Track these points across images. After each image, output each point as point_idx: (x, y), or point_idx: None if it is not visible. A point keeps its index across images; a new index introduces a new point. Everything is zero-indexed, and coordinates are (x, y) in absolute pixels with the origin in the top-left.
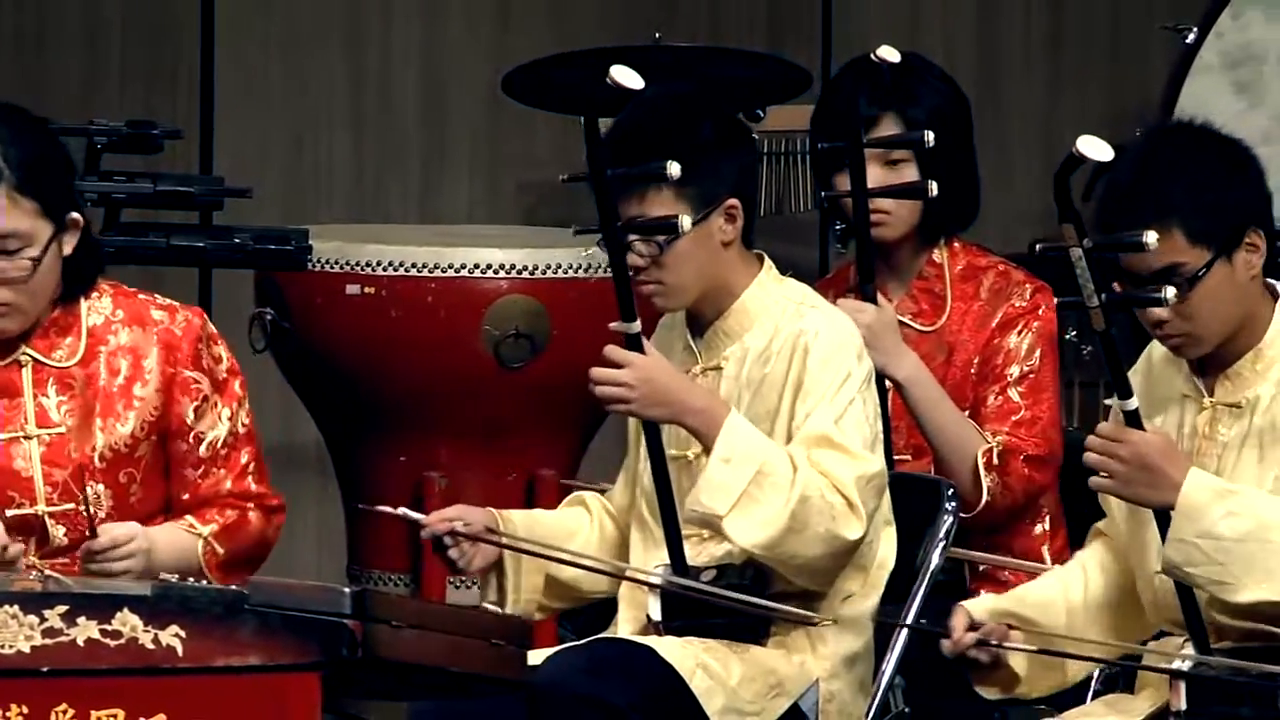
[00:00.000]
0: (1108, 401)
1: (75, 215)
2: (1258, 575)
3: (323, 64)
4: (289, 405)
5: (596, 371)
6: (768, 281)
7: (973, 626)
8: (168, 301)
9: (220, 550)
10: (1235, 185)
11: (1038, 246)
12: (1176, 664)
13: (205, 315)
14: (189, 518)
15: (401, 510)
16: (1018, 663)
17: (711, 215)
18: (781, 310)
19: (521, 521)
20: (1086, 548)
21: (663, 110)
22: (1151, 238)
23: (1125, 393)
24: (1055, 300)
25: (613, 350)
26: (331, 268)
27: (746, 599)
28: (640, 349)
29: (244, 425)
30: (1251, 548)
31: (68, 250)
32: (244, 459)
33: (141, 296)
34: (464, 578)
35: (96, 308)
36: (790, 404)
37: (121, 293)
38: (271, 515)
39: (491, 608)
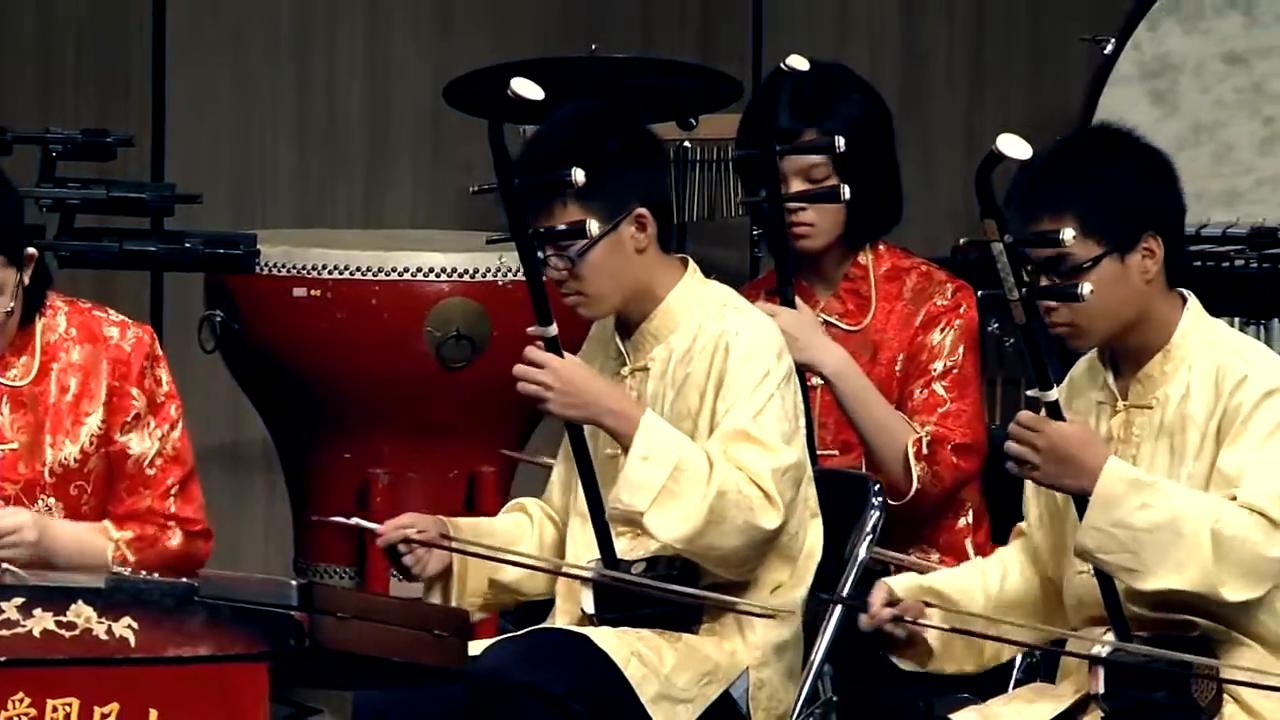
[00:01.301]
0: (1030, 393)
1: (30, 251)
2: (1168, 565)
3: (270, 74)
4: (237, 405)
5: (519, 368)
6: (692, 284)
7: (891, 602)
8: (120, 318)
9: (131, 558)
10: (1140, 189)
11: (961, 241)
12: (1096, 649)
13: (155, 335)
14: (108, 522)
15: (355, 520)
16: (932, 639)
17: (621, 225)
18: (705, 311)
19: (469, 528)
20: (1009, 545)
21: (568, 125)
22: (1069, 233)
23: (1046, 385)
24: (979, 294)
25: (531, 351)
26: (279, 271)
27: (679, 589)
28: (558, 352)
29: (174, 448)
30: (1163, 538)
31: (27, 279)
32: (169, 480)
33: (95, 313)
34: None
35: (51, 325)
36: (712, 402)
37: (76, 309)
38: (194, 540)
39: None
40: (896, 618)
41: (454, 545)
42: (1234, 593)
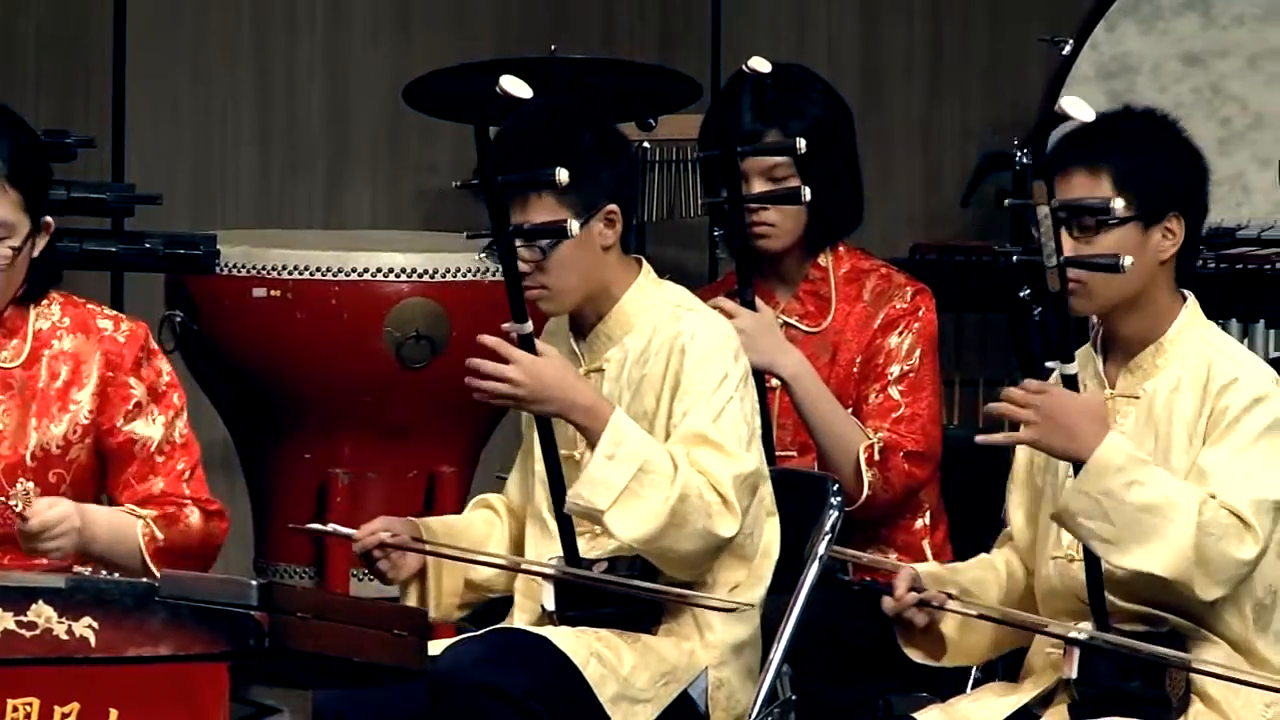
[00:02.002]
0: (1050, 364)
1: (48, 219)
2: (1146, 546)
3: (230, 74)
4: (197, 405)
5: (487, 365)
6: (646, 285)
7: (916, 588)
8: (113, 313)
9: (160, 535)
10: (1178, 170)
11: (1006, 202)
12: (1074, 633)
13: (149, 329)
14: (129, 504)
15: (332, 526)
16: (949, 632)
17: (592, 221)
18: (660, 312)
19: (441, 528)
20: (999, 550)
21: (544, 120)
22: (1119, 203)
23: (1068, 356)
24: (1014, 258)
25: (501, 345)
26: (238, 271)
27: (643, 585)
28: (532, 348)
29: (181, 435)
30: (1147, 520)
31: (36, 252)
32: (180, 466)
33: (90, 306)
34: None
35: (45, 314)
36: (668, 403)
37: (70, 302)
38: (211, 518)
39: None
40: (921, 603)
41: (428, 548)
42: (1202, 589)
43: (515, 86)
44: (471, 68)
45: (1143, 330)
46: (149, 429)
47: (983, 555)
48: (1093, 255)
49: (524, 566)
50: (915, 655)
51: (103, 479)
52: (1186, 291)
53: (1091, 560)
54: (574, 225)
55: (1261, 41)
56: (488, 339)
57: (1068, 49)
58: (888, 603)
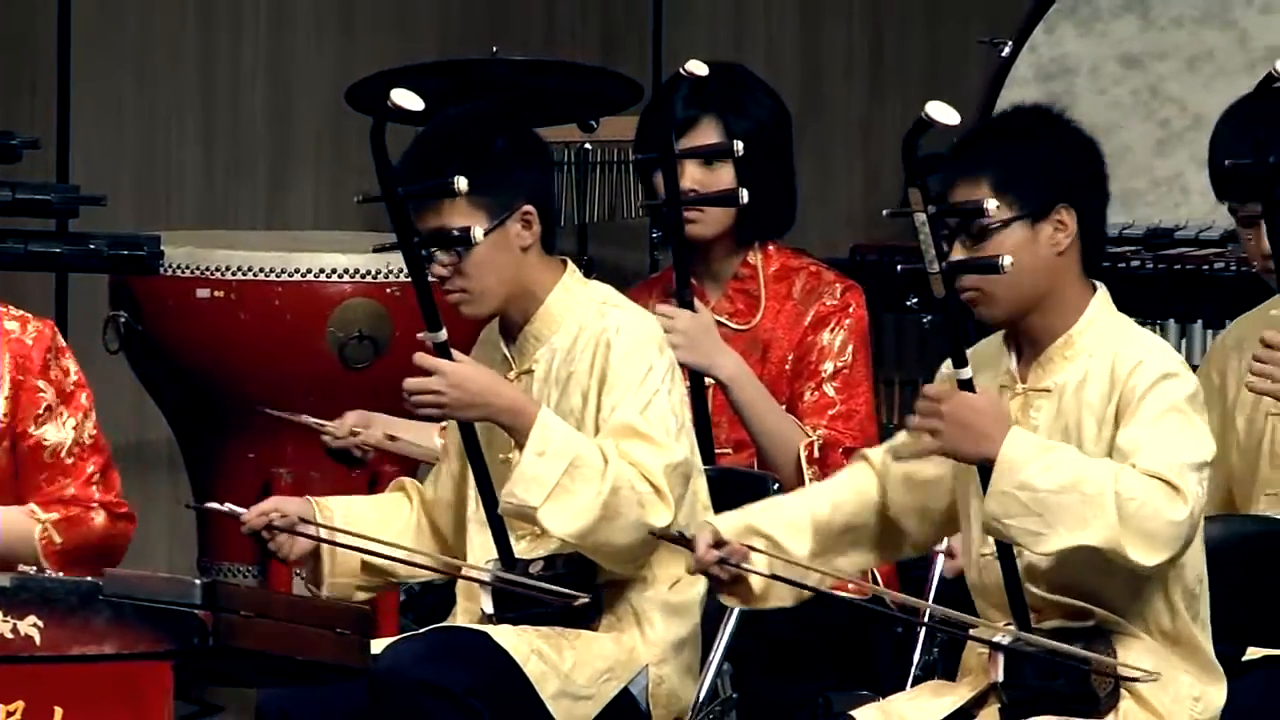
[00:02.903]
0: (944, 369)
1: None
2: (1070, 524)
3: (174, 75)
4: (142, 405)
5: (410, 382)
6: (571, 284)
7: (717, 544)
8: (20, 313)
9: (58, 539)
10: (1059, 161)
11: (885, 212)
12: (997, 638)
13: (56, 328)
14: (33, 505)
15: (227, 506)
16: (756, 580)
17: (507, 222)
18: (585, 310)
19: (339, 508)
20: (847, 469)
21: (458, 125)
22: (991, 204)
23: (961, 361)
24: (899, 268)
25: (423, 358)
26: (182, 272)
27: (566, 592)
28: (448, 356)
29: (90, 436)
30: (1066, 499)
31: None
32: (90, 468)
33: None
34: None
35: None
36: (596, 398)
37: None
38: (118, 521)
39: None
40: (721, 560)
41: (313, 531)
42: (1137, 553)
43: (407, 100)
44: (413, 69)
45: (1052, 325)
46: (60, 433)
47: (814, 485)
48: (973, 258)
49: (466, 571)
50: (729, 602)
51: (16, 480)
52: (1097, 283)
53: (1007, 560)
54: (477, 232)
55: (1200, 43)
56: (417, 355)
57: (1007, 51)
58: (687, 561)
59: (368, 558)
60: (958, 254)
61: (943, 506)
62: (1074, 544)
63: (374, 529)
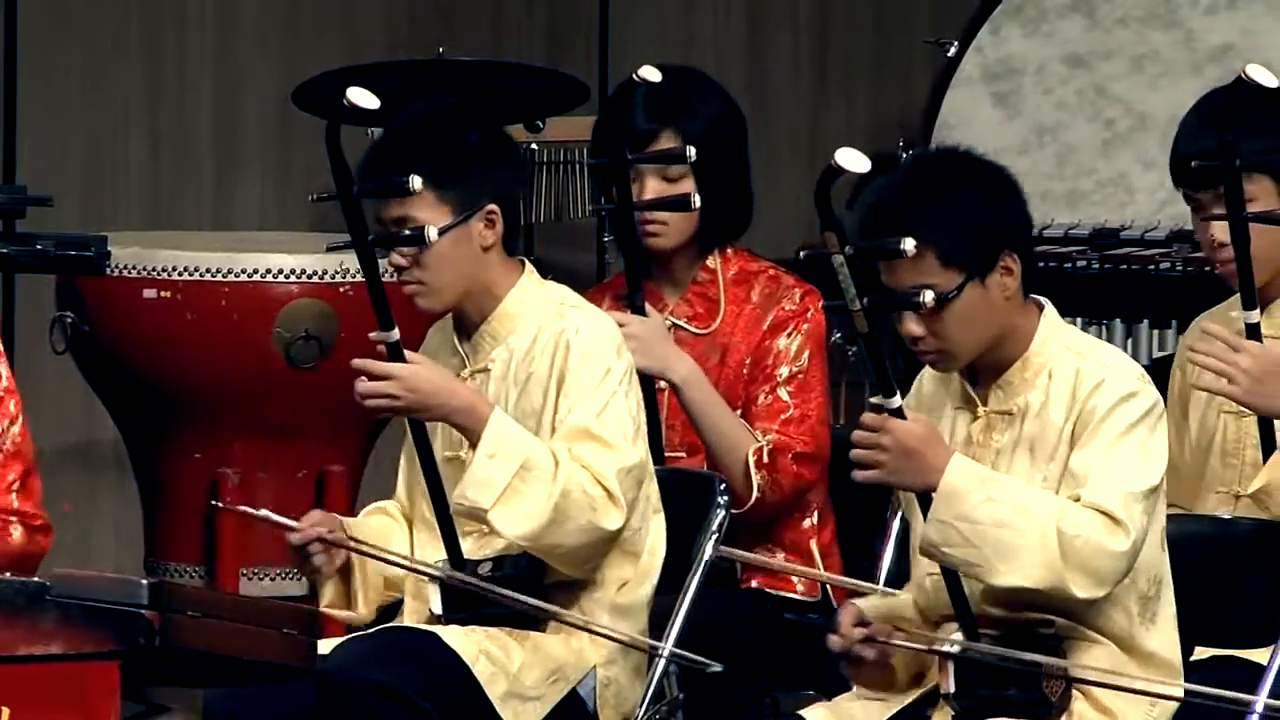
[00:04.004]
0: (873, 400)
1: None
2: (1011, 562)
3: (120, 75)
4: (88, 405)
5: (362, 385)
6: (530, 285)
7: (862, 623)
8: None
9: None
10: (991, 211)
11: (801, 253)
12: (945, 647)
13: None
14: None
15: (263, 512)
16: (899, 663)
17: (471, 220)
18: (543, 311)
19: (361, 529)
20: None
21: (429, 119)
22: (909, 244)
23: (889, 392)
24: (821, 304)
25: (372, 364)
26: (129, 273)
27: (524, 599)
28: (401, 356)
29: (14, 443)
30: (1006, 534)
31: None
32: (10, 476)
33: None
34: (265, 572)
35: None
36: (554, 399)
37: None
38: (35, 534)
39: (341, 614)
40: (868, 638)
41: (361, 548)
42: (1081, 590)
43: (362, 98)
44: (360, 70)
45: (1008, 354)
46: None
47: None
48: (893, 297)
49: (446, 573)
50: (869, 690)
51: None
52: (1042, 299)
53: (953, 580)
54: (432, 232)
55: (1145, 43)
56: (359, 362)
57: (952, 51)
58: (833, 640)
59: (387, 574)
60: (915, 328)
61: None
62: (1016, 584)
63: (382, 545)
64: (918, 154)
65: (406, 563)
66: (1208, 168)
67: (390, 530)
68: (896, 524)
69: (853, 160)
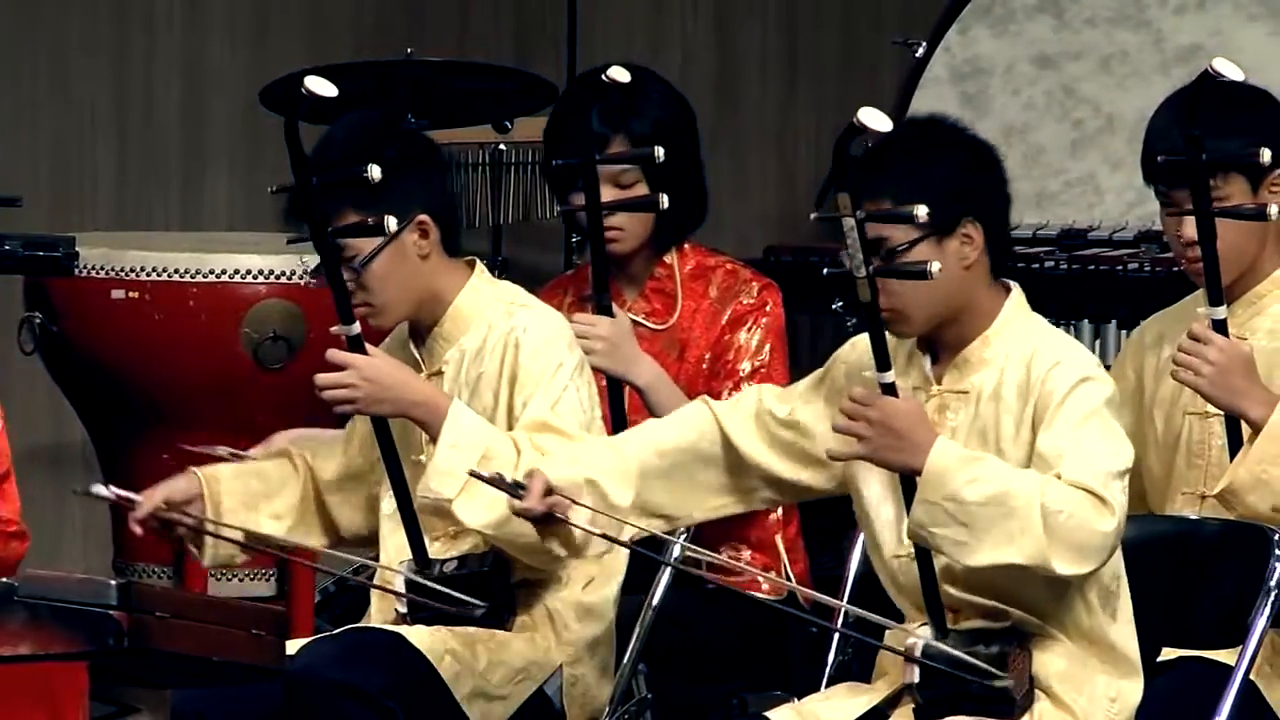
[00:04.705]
0: (867, 374)
1: None
2: (996, 538)
3: (88, 75)
4: (57, 406)
5: (322, 377)
6: (480, 285)
7: (549, 491)
8: None
9: None
10: (959, 175)
11: (813, 215)
12: (910, 641)
13: None
14: None
15: (112, 490)
16: (576, 531)
17: (403, 233)
18: (493, 310)
19: (231, 474)
20: (679, 411)
21: (347, 134)
22: (922, 210)
23: (884, 365)
24: (825, 270)
25: (334, 354)
26: (97, 273)
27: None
28: (362, 349)
29: None
30: (992, 511)
31: None
32: None
33: None
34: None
35: None
36: (507, 398)
37: None
38: (10, 540)
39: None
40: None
41: (205, 521)
42: (1065, 566)
43: (320, 86)
44: (328, 70)
45: (967, 331)
46: None
47: (652, 422)
48: (900, 264)
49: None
50: (554, 546)
51: None
52: (1012, 283)
53: (924, 561)
54: (391, 222)
55: (1113, 43)
56: (328, 353)
57: (921, 51)
58: (515, 504)
59: (252, 517)
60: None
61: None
62: (1001, 561)
63: (261, 500)
64: (911, 117)
65: (236, 533)
66: (1178, 163)
67: (282, 479)
68: None
69: (875, 119)
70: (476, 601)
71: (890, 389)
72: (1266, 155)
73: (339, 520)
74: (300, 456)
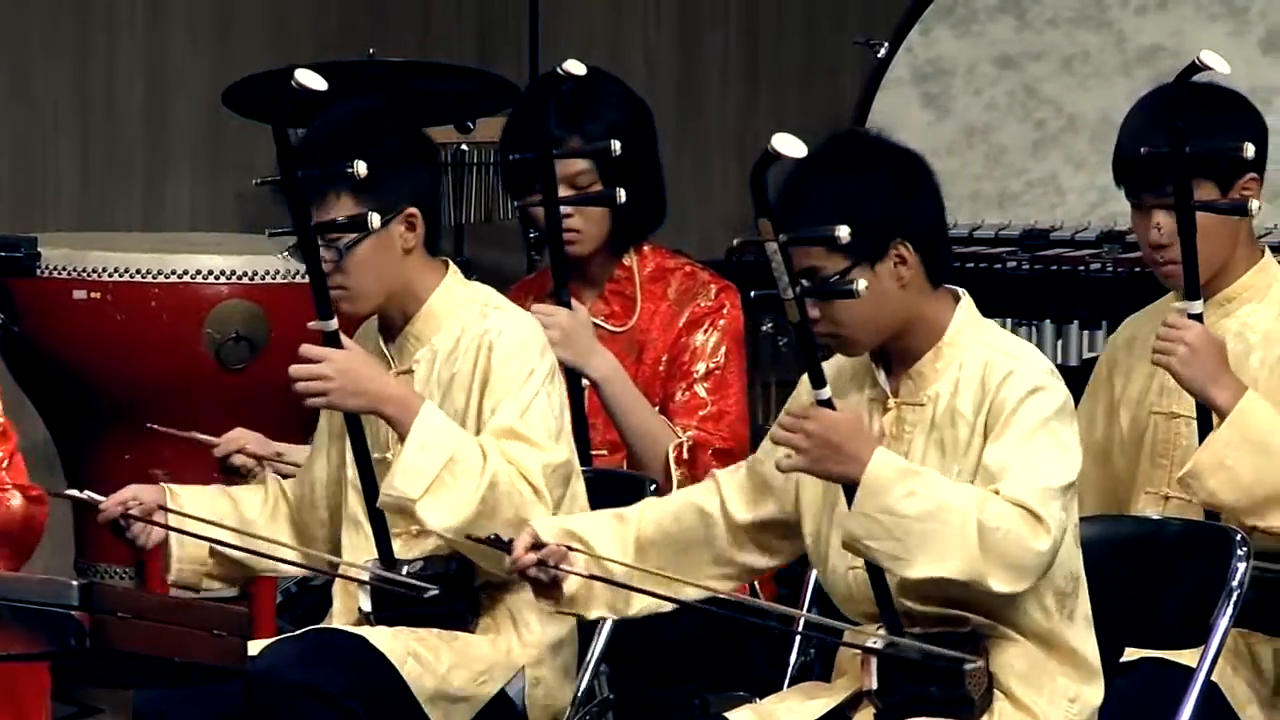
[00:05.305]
0: (802, 391)
1: None
2: (931, 553)
3: (50, 75)
4: (18, 405)
5: (296, 368)
6: (453, 285)
7: (536, 546)
8: None
9: None
10: (884, 199)
11: (736, 241)
12: (869, 643)
13: None
14: None
15: (85, 493)
16: (571, 584)
17: (392, 223)
18: (467, 312)
19: (191, 496)
20: (700, 487)
21: (348, 121)
22: (844, 231)
23: (819, 382)
24: (752, 293)
25: (309, 348)
26: (59, 274)
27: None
28: (338, 344)
29: (0, 424)
30: (929, 527)
31: None
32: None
33: None
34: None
35: None
36: (478, 400)
37: None
38: (34, 503)
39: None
40: (540, 562)
41: (171, 522)
42: (1000, 584)
43: (311, 80)
44: (290, 71)
45: (918, 344)
46: None
47: (650, 500)
48: (827, 283)
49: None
50: (547, 606)
51: None
52: (960, 290)
53: (877, 574)
54: (374, 219)
55: (1075, 44)
56: (303, 348)
57: (882, 52)
58: (506, 561)
59: (219, 550)
60: (811, 310)
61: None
62: (934, 575)
63: (226, 516)
64: (834, 134)
65: (218, 536)
66: (1156, 162)
67: (249, 500)
68: None
69: (789, 145)
70: (428, 585)
71: (827, 404)
72: (1250, 150)
73: (315, 536)
74: (274, 478)
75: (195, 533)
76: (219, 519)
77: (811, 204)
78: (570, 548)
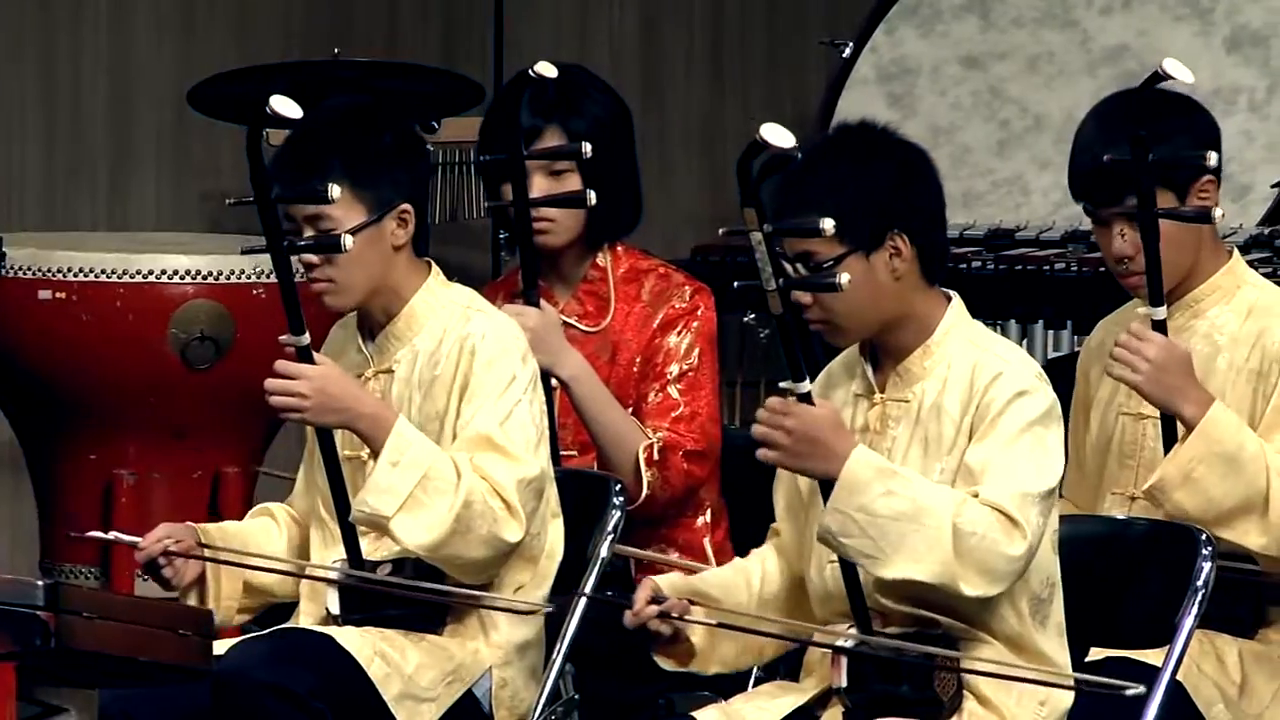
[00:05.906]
0: (783, 384)
1: None
2: (906, 554)
3: (13, 74)
4: None
5: (271, 383)
6: (436, 286)
7: (656, 600)
8: None
9: None
10: (886, 189)
11: (721, 230)
12: (840, 641)
13: None
14: None
15: (114, 534)
16: (696, 638)
17: (385, 218)
18: (449, 314)
19: (218, 533)
20: (765, 545)
21: (344, 118)
22: (828, 224)
23: (799, 376)
24: (735, 284)
25: (284, 364)
26: (24, 274)
27: (426, 586)
28: (310, 360)
29: None
30: (904, 527)
31: None
32: None
33: None
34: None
35: None
36: (457, 404)
37: None
38: None
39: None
40: (662, 614)
41: (208, 555)
42: (972, 588)
43: (285, 107)
44: (256, 71)
45: (908, 340)
46: None
47: (739, 560)
48: (810, 276)
49: (309, 571)
50: (666, 664)
51: None
52: (950, 292)
53: (848, 567)
54: (347, 240)
55: (1040, 44)
56: (278, 364)
57: (847, 52)
58: (628, 616)
59: (249, 580)
60: (803, 296)
61: None
62: (907, 576)
63: (253, 549)
64: (841, 125)
65: (265, 565)
66: (1115, 173)
67: (268, 532)
68: None
69: (777, 135)
70: (448, 588)
71: (806, 398)
72: (1213, 158)
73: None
74: (281, 509)
75: (243, 564)
76: (259, 549)
77: (810, 189)
78: (692, 601)
